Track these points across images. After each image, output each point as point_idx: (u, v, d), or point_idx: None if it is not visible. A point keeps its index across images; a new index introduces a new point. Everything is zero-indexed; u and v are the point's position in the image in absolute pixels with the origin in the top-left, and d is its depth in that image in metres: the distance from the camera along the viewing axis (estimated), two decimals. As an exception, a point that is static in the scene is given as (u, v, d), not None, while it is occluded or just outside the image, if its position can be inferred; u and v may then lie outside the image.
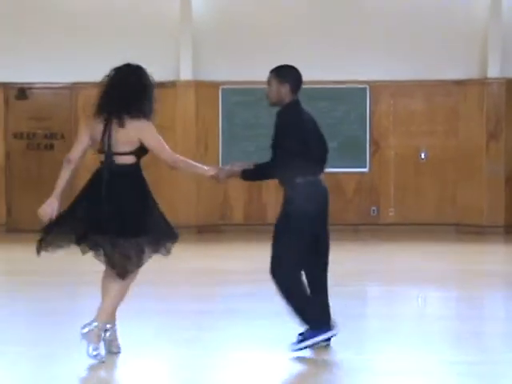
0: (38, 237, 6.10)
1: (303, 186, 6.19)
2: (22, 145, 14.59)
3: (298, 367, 6.01)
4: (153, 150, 5.98)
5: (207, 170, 6.38)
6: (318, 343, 6.13)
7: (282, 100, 6.44)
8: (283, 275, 6.13)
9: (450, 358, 6.17)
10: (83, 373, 5.72)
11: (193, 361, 6.01)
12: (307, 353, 6.10)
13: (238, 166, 6.54)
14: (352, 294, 8.84)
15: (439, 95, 14.27)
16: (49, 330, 7.12)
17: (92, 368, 5.77)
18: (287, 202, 6.23)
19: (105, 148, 5.91)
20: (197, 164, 6.38)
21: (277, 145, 6.35)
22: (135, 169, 5.97)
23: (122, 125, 5.85)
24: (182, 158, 6.19)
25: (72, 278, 9.61)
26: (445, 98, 14.25)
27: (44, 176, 14.51)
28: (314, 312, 6.21)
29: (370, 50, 14.19)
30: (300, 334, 6.17)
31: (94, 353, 5.78)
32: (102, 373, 5.74)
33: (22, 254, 12.32)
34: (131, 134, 5.88)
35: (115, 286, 5.89)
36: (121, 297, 5.95)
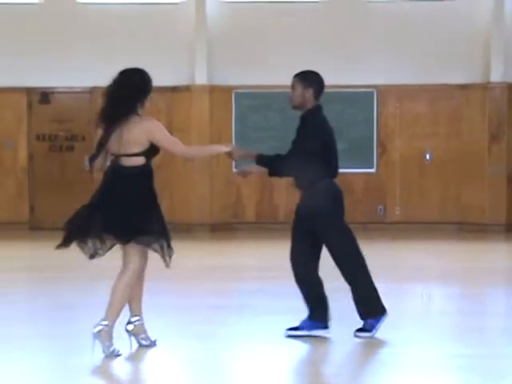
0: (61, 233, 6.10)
1: (326, 187, 6.45)
2: (44, 146, 14.64)
3: (307, 359, 6.02)
4: (166, 148, 5.96)
5: (222, 147, 6.44)
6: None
7: (305, 104, 6.50)
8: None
9: (452, 351, 6.17)
10: (101, 364, 5.75)
11: (206, 354, 6.03)
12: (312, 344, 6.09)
13: (254, 151, 6.60)
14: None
15: (443, 99, 14.26)
16: (68, 323, 7.15)
17: (109, 360, 5.81)
18: (310, 204, 6.40)
19: (113, 150, 5.93)
20: (210, 146, 6.43)
21: (298, 146, 6.38)
22: (143, 170, 5.90)
23: (127, 126, 5.82)
24: (194, 146, 6.23)
25: (91, 273, 9.64)
26: (448, 102, 14.24)
27: (65, 176, 14.61)
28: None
29: (376, 55, 14.19)
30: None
31: (109, 350, 5.81)
32: (118, 365, 5.76)
33: (43, 251, 12.38)
34: (139, 135, 5.83)
35: (120, 284, 5.90)
36: (127, 294, 5.94)
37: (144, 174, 5.92)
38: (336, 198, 6.63)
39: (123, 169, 5.88)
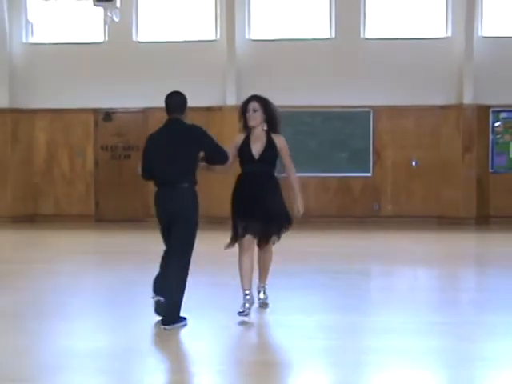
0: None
1: None
2: (107, 155, 14.72)
3: (315, 325, 5.98)
4: None
5: None
6: None
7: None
8: None
9: (430, 319, 6.19)
10: (154, 330, 5.83)
11: (234, 321, 5.98)
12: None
13: None
14: (358, 271, 8.83)
15: (426, 117, 14.20)
16: (129, 296, 7.21)
17: (160, 326, 5.85)
18: None
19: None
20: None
21: None
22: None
23: None
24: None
25: (145, 256, 9.68)
26: (430, 119, 14.18)
27: (123, 179, 14.67)
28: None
29: (372, 82, 14.15)
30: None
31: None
32: (167, 331, 5.79)
33: (107, 238, 12.54)
34: None
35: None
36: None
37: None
38: (155, 205, 6.08)
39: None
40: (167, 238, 5.90)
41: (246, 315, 5.86)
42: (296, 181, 6.30)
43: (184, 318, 5.81)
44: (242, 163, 6.22)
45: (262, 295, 6.32)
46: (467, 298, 7.36)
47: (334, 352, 5.22)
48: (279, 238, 6.21)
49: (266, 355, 5.18)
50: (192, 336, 5.76)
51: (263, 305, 6.29)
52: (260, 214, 5.96)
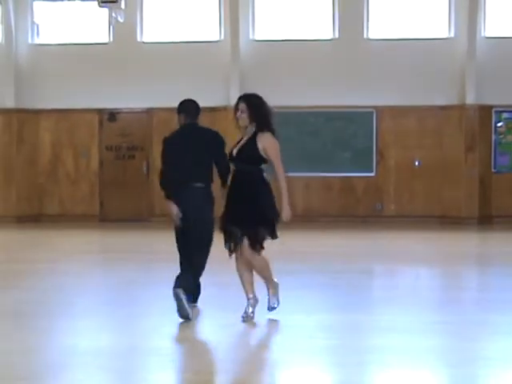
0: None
1: None
2: (111, 155, 14.72)
3: (319, 324, 5.96)
4: None
5: None
6: None
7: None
8: None
9: (435, 318, 6.18)
10: (160, 327, 5.83)
11: (236, 320, 5.96)
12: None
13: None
14: (360, 270, 8.81)
15: (428, 117, 14.19)
16: (133, 295, 7.21)
17: (168, 323, 5.87)
18: None
19: None
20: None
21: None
22: None
23: None
24: None
25: (147, 256, 9.70)
26: (433, 119, 14.17)
27: (127, 179, 14.70)
28: None
29: (375, 82, 14.16)
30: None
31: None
32: (177, 325, 5.83)
33: (110, 238, 12.56)
34: None
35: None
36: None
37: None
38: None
39: None
40: (181, 238, 6.11)
41: (251, 319, 5.86)
42: (282, 185, 5.87)
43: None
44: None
45: (270, 301, 6.13)
46: (469, 297, 7.35)
47: (336, 351, 5.22)
48: (256, 242, 5.78)
49: (267, 355, 5.19)
50: (195, 335, 5.77)
51: (270, 308, 6.20)
52: (230, 218, 5.87)
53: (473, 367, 4.81)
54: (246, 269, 5.91)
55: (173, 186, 6.13)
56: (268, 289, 6.08)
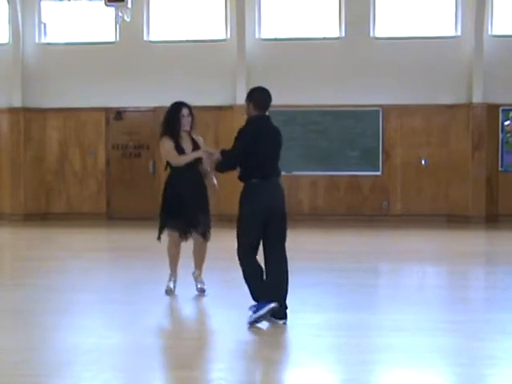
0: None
1: (250, 187, 5.84)
2: (118, 154, 14.75)
3: (323, 323, 5.97)
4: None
5: (194, 154, 6.70)
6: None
7: (250, 115, 6.02)
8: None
9: (442, 317, 6.16)
10: (166, 325, 5.83)
11: (244, 317, 5.98)
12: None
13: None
14: (366, 269, 8.80)
15: (435, 116, 14.16)
16: (140, 293, 7.20)
17: (174, 321, 5.86)
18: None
19: None
20: (189, 155, 6.64)
21: (232, 150, 5.93)
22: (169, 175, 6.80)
23: None
24: (179, 156, 6.51)
25: (153, 253, 9.71)
26: (439, 118, 14.14)
27: (134, 177, 14.71)
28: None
29: (382, 81, 14.13)
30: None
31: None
32: (182, 324, 5.83)
33: (117, 236, 12.57)
34: None
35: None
36: None
37: (169, 178, 6.92)
38: (253, 197, 5.78)
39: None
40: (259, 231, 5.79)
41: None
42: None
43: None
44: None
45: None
46: (477, 296, 7.33)
47: (343, 350, 5.20)
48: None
49: (274, 352, 5.17)
50: (202, 333, 5.76)
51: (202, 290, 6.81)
52: None
53: (480, 366, 4.79)
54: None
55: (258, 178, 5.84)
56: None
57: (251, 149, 5.79)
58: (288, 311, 5.86)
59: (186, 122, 6.71)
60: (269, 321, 5.72)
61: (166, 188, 6.83)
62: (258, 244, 5.87)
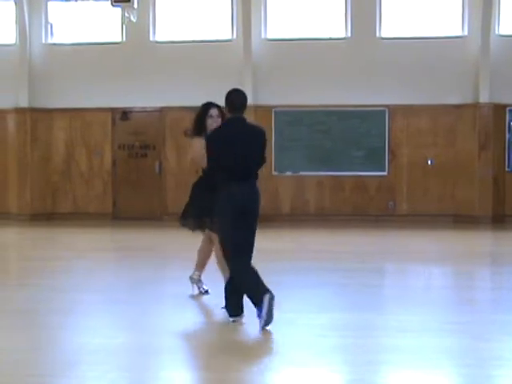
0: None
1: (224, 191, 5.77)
2: (124, 154, 14.75)
3: (328, 323, 5.95)
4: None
5: None
6: None
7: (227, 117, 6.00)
8: None
9: (448, 318, 6.12)
10: (171, 322, 5.83)
11: (249, 318, 5.94)
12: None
13: None
14: (372, 269, 8.77)
15: (441, 116, 14.11)
16: (145, 293, 7.18)
17: (180, 321, 5.85)
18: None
19: None
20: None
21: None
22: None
23: None
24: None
25: (160, 253, 9.71)
26: (446, 118, 14.09)
27: (140, 177, 14.71)
28: None
29: (388, 81, 14.10)
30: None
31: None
32: (189, 323, 5.81)
33: (123, 236, 12.57)
34: None
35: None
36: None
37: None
38: (226, 197, 5.69)
39: None
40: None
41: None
42: None
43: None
44: None
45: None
46: (483, 296, 7.30)
47: (348, 350, 5.18)
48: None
49: (279, 353, 5.14)
50: (207, 333, 5.74)
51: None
52: None
53: (487, 368, 4.75)
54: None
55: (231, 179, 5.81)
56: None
57: (222, 152, 5.69)
58: (286, 311, 5.86)
59: (213, 123, 6.45)
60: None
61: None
62: (245, 247, 5.77)
